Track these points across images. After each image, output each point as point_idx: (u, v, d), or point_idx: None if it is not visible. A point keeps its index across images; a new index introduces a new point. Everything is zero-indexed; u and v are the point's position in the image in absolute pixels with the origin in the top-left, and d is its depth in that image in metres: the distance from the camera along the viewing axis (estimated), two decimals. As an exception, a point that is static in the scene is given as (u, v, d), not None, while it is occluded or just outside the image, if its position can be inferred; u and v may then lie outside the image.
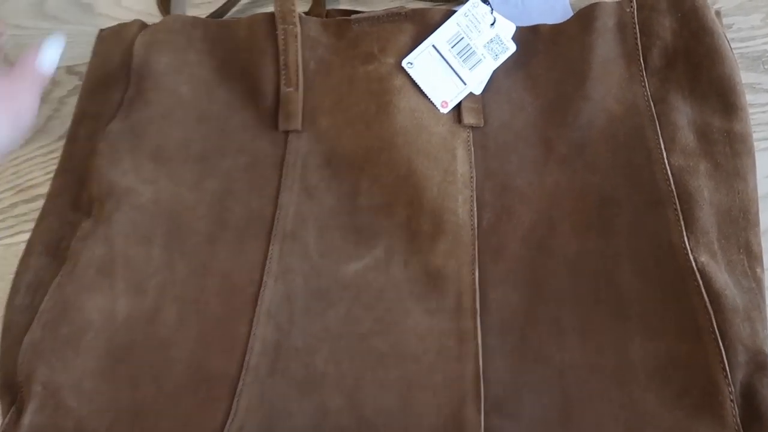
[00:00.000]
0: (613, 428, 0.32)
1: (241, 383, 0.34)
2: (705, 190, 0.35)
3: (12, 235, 0.46)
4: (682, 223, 0.34)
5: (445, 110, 0.38)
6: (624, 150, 0.37)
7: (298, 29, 0.39)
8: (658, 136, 0.37)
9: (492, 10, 0.39)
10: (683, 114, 0.37)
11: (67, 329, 0.35)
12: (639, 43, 0.38)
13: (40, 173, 0.48)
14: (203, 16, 0.45)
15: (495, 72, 0.39)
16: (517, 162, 0.38)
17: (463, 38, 0.39)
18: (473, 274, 0.35)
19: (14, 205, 0.47)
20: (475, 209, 0.36)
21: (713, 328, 0.32)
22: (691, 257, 0.33)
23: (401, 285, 0.35)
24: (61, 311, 0.35)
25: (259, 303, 0.35)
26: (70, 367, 0.34)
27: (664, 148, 0.36)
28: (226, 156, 0.39)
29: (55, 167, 0.44)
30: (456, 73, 0.39)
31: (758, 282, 0.34)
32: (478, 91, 0.39)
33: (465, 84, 0.39)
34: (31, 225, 0.42)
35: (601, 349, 0.33)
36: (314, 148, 0.38)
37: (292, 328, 0.35)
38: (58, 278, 0.36)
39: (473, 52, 0.39)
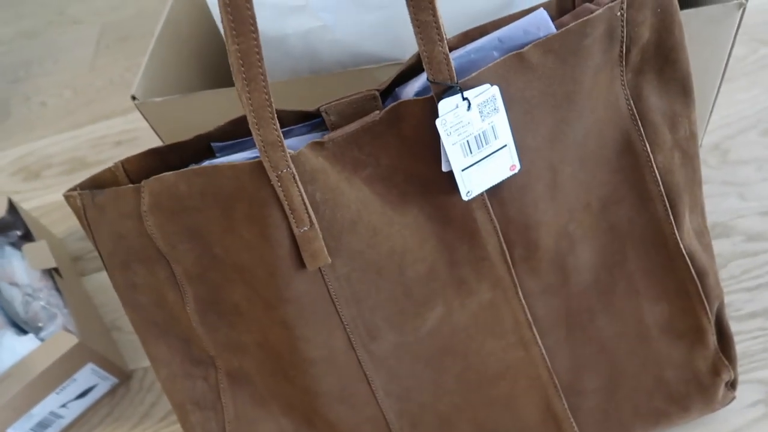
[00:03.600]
0: (644, 373, 0.44)
1: None
2: (682, 182, 0.41)
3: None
4: (672, 217, 0.41)
5: (515, 172, 0.38)
6: (615, 156, 0.40)
7: (294, 170, 0.35)
8: (642, 138, 0.40)
9: (460, 90, 0.35)
10: (657, 110, 0.40)
11: None
12: (624, 47, 0.38)
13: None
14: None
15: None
16: (532, 199, 0.39)
17: (467, 137, 0.36)
18: (518, 295, 0.42)
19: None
20: (506, 250, 0.40)
21: (699, 292, 0.42)
22: (681, 245, 0.42)
23: (468, 325, 0.42)
24: None
25: (374, 389, 0.42)
26: None
27: (650, 151, 0.40)
28: (275, 307, 0.39)
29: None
30: (490, 153, 0.37)
31: (708, 234, 0.44)
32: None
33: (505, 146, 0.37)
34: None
35: (624, 319, 0.43)
36: (352, 265, 0.39)
37: (409, 394, 0.43)
38: (225, 425, 0.43)
39: (481, 135, 0.37)
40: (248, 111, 0.34)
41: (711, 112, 0.58)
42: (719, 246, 0.57)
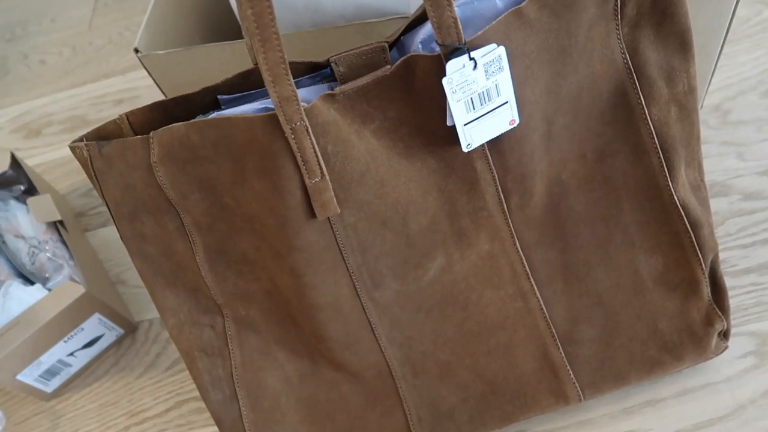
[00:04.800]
0: (639, 324, 0.45)
1: (401, 391, 0.45)
2: (678, 135, 0.41)
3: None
4: (666, 170, 0.42)
5: (514, 126, 0.39)
6: (610, 108, 0.41)
7: (307, 123, 0.36)
8: (638, 91, 0.40)
9: (467, 51, 0.36)
10: (654, 64, 0.40)
11: (267, 402, 0.45)
12: (619, 1, 0.38)
13: (150, 399, 0.57)
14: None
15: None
16: (529, 150, 0.40)
17: (471, 95, 0.37)
18: (515, 245, 0.43)
19: (127, 428, 0.56)
20: (503, 199, 0.41)
21: (694, 244, 0.43)
22: (675, 197, 0.42)
23: (467, 276, 0.43)
24: (254, 393, 0.45)
25: (377, 336, 0.44)
26: (286, 423, 0.46)
27: (645, 104, 0.40)
28: (284, 255, 0.40)
29: (163, 395, 0.57)
30: (493, 108, 0.37)
31: (705, 188, 0.44)
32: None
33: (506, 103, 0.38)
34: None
35: (619, 271, 0.44)
36: (359, 215, 0.40)
37: (411, 342, 0.44)
38: (232, 371, 0.45)
39: (486, 92, 0.37)
40: (264, 69, 0.35)
41: (713, 73, 0.59)
42: (717, 204, 0.58)
